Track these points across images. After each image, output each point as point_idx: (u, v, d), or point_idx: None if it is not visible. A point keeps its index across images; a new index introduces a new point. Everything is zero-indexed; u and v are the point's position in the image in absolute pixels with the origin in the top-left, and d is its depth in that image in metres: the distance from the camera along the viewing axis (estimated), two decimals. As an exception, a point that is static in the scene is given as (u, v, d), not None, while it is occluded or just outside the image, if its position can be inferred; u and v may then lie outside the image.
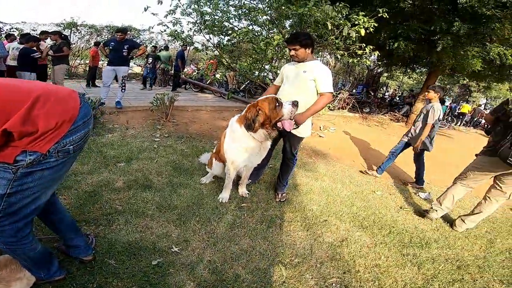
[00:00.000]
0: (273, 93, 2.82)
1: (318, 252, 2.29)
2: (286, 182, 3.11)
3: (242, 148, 2.63)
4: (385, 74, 15.95)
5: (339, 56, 4.79)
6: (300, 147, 4.48)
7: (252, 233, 2.39)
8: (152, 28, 4.39)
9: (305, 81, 2.61)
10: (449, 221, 3.17)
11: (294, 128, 2.58)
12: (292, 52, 2.60)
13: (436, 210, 3.10)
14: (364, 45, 4.83)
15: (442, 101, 16.27)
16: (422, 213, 3.21)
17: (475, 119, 16.25)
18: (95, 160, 3.45)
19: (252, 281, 1.91)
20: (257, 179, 3.37)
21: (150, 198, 2.73)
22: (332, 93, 2.61)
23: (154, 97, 5.22)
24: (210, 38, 4.84)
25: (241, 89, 9.22)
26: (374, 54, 5.15)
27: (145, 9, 4.18)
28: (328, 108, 8.28)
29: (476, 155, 3.01)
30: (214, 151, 3.22)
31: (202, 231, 2.33)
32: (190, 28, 4.60)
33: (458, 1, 6.73)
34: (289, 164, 2.99)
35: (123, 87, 5.77)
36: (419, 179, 4.08)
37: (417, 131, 3.89)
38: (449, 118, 14.34)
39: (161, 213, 2.51)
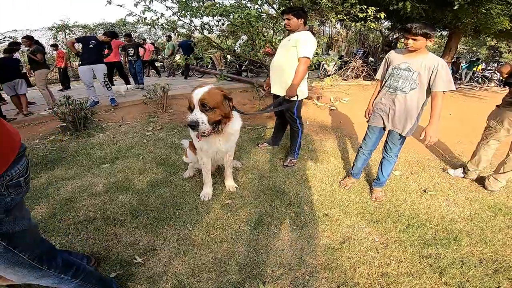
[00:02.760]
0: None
1: (310, 259, 1.98)
2: (297, 148, 3.26)
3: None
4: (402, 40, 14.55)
5: (333, 20, 4.26)
6: (305, 121, 4.17)
7: (232, 237, 2.14)
8: (124, 20, 4.07)
9: (288, 48, 2.85)
10: (487, 205, 2.69)
11: (289, 104, 2.99)
12: (286, 21, 2.85)
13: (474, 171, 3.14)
14: (365, 7, 4.25)
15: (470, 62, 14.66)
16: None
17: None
18: (81, 163, 3.40)
19: (219, 298, 1.68)
20: (278, 143, 3.75)
21: (126, 202, 2.59)
22: (308, 57, 2.75)
23: (146, 89, 5.08)
24: (192, 21, 4.51)
25: (242, 69, 8.84)
26: (380, 16, 4.54)
27: (109, 2, 3.94)
28: (342, 78, 7.66)
29: (497, 106, 2.95)
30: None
31: (174, 237, 2.13)
32: (174, 13, 4.28)
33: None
34: (293, 128, 3.22)
35: (108, 86, 5.65)
36: None
37: None
38: (480, 79, 12.97)
39: (133, 218, 2.35)
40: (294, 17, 2.79)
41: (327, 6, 3.98)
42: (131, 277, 1.79)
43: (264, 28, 4.31)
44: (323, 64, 8.78)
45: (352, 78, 7.81)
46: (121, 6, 3.98)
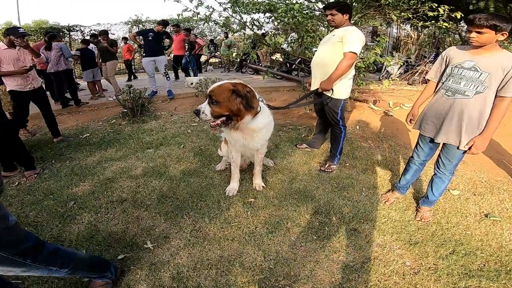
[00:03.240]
0: None
1: (321, 275, 1.80)
2: (338, 152, 3.06)
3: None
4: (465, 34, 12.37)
5: (394, 18, 3.77)
6: (356, 126, 3.88)
7: (245, 238, 2.07)
8: (180, 15, 4.23)
9: (333, 43, 2.68)
10: None
11: (327, 98, 2.79)
12: (329, 17, 2.69)
13: None
14: (436, 4, 3.68)
15: None
16: None
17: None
18: (129, 146, 3.70)
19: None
20: (318, 145, 3.53)
21: (157, 187, 2.72)
22: (355, 53, 2.55)
23: (197, 83, 5.27)
24: (242, 18, 4.50)
25: (293, 67, 8.56)
26: (456, 16, 3.87)
27: None
28: (407, 83, 6.87)
29: None
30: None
31: (189, 228, 2.16)
32: (224, 8, 4.34)
33: None
34: (335, 131, 3.03)
35: (168, 76, 6.01)
36: None
37: None
38: None
39: (158, 204, 2.46)
40: (339, 12, 2.63)
41: (387, 2, 3.55)
42: (136, 261, 1.86)
43: (313, 25, 4.07)
44: (386, 66, 8.06)
45: (420, 83, 6.99)
46: (177, 1, 4.18)
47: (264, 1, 4.01)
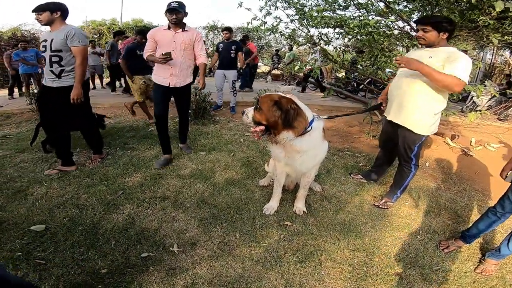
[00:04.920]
0: None
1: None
2: (400, 191, 2.76)
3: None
4: None
5: (495, 42, 3.22)
6: (425, 162, 3.56)
7: (271, 262, 2.00)
8: (249, 24, 4.34)
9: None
10: None
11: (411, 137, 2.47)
12: (420, 33, 2.32)
13: None
14: None
15: None
16: None
17: None
18: (185, 146, 3.92)
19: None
20: (375, 178, 3.23)
21: (199, 190, 2.82)
22: (463, 81, 2.10)
23: (257, 93, 5.37)
24: (309, 31, 4.42)
25: (360, 87, 8.03)
26: None
27: (240, 5, 4.27)
28: (497, 118, 5.90)
29: None
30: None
31: (218, 239, 2.18)
32: (291, 20, 4.33)
33: None
34: (403, 169, 2.68)
35: (234, 92, 5.97)
36: None
37: None
38: None
39: (196, 208, 2.54)
40: (434, 29, 2.24)
41: (486, 24, 3.09)
42: (157, 262, 1.94)
43: (390, 44, 3.76)
44: (472, 96, 7.08)
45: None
46: (248, 9, 4.34)
47: (334, 15, 3.90)
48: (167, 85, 3.18)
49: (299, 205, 2.60)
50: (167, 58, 2.91)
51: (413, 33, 4.09)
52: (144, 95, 4.85)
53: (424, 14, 3.71)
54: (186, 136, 3.83)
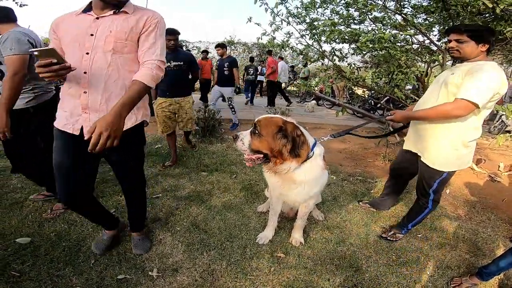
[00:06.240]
0: None
1: None
2: (411, 225, 2.54)
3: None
4: None
5: None
6: (445, 190, 3.34)
7: (256, 296, 1.88)
8: (260, 39, 4.36)
9: (447, 84, 2.00)
10: None
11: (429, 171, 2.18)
12: (452, 44, 1.99)
13: None
14: None
15: None
16: None
17: None
18: (188, 165, 3.92)
19: None
20: (385, 208, 3.02)
21: (193, 214, 2.75)
22: (472, 103, 1.80)
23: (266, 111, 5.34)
24: (321, 46, 4.36)
25: (378, 106, 7.78)
26: None
27: (249, 20, 4.30)
28: None
29: None
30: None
31: (202, 267, 2.07)
32: (302, 35, 4.31)
33: None
34: (420, 203, 2.42)
35: (232, 109, 5.96)
36: None
37: None
38: None
39: (186, 232, 2.46)
40: (471, 39, 1.92)
41: None
42: (132, 285, 1.87)
43: (408, 60, 3.58)
44: (501, 116, 6.63)
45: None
46: (258, 24, 4.39)
47: (346, 29, 3.83)
48: (76, 133, 1.63)
49: (296, 236, 2.45)
50: (54, 69, 1.31)
51: (434, 47, 3.95)
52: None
53: (446, 27, 3.55)
54: (142, 220, 2.30)
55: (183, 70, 3.70)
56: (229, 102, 5.90)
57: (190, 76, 3.93)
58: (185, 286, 1.89)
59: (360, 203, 3.15)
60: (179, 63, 3.63)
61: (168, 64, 3.53)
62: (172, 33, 3.49)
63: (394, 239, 2.56)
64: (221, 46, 5.90)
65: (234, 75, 5.83)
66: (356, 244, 2.49)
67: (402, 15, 4.00)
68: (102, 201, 2.84)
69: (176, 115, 3.82)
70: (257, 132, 1.89)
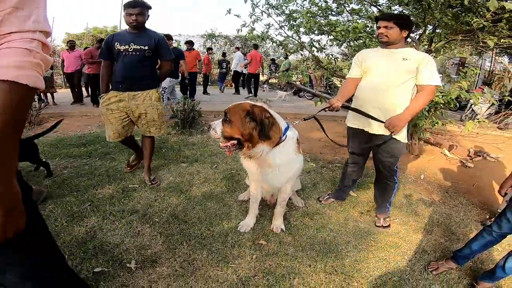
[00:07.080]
0: (351, 90, 2.56)
1: None
2: (389, 204, 2.66)
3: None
4: None
5: (491, 44, 3.13)
6: (420, 175, 3.47)
7: (237, 284, 1.86)
8: (240, 31, 4.32)
9: (404, 71, 2.24)
10: None
11: (388, 139, 2.30)
12: (382, 30, 2.25)
13: None
14: None
15: None
16: None
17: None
18: (168, 157, 3.86)
19: None
20: (341, 198, 3.01)
21: (172, 205, 2.72)
22: (437, 86, 2.25)
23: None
24: (300, 38, 4.39)
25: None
26: None
27: (228, 12, 4.26)
28: (497, 126, 5.77)
29: None
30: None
31: (182, 257, 2.06)
32: (281, 27, 4.32)
33: None
34: (387, 185, 2.57)
35: (163, 98, 5.79)
36: None
37: None
38: None
39: (165, 223, 2.43)
40: (397, 26, 2.21)
41: (481, 26, 3.01)
42: (110, 278, 1.83)
43: None
44: (471, 105, 6.94)
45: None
46: (238, 16, 4.34)
47: (320, 21, 3.86)
48: None
49: (277, 223, 2.48)
50: None
51: (408, 40, 4.05)
52: None
53: (419, 19, 3.65)
54: None
55: (146, 57, 2.83)
56: (163, 91, 6.15)
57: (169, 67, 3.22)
58: (165, 277, 1.88)
59: (322, 201, 2.98)
60: (140, 47, 2.77)
61: (125, 47, 2.77)
62: (134, 5, 2.66)
63: (388, 224, 2.63)
64: (166, 37, 6.03)
65: (183, 66, 6.29)
66: (336, 230, 2.54)
67: (378, 6, 4.09)
68: (77, 195, 2.77)
69: (134, 116, 2.95)
70: (227, 119, 1.93)
